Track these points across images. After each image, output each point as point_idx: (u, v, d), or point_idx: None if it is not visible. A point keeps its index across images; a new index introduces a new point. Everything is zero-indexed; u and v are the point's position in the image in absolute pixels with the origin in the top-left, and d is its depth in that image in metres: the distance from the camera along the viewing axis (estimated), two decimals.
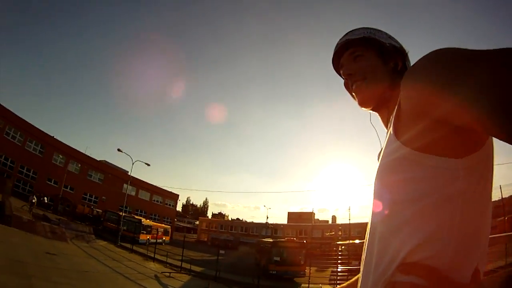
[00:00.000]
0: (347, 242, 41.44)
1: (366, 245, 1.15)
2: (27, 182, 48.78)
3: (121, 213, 42.74)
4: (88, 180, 58.01)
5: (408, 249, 0.95)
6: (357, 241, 40.41)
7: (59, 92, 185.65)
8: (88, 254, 23.77)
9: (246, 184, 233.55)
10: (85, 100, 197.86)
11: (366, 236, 1.18)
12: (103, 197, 58.66)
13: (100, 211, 50.32)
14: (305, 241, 34.32)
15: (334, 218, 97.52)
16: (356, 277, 1.46)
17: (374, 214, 1.14)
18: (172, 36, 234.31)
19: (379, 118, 1.44)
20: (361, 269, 1.17)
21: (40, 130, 51.83)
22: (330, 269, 30.02)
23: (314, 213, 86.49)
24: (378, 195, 1.11)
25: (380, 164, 1.13)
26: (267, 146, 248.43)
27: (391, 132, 1.09)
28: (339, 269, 26.73)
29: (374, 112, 1.46)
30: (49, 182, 51.24)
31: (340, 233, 68.69)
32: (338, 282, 22.80)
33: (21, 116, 48.48)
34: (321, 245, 52.51)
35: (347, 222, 69.08)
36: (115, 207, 53.53)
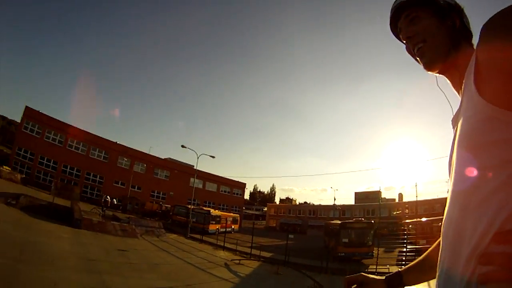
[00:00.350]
0: (415, 220, 40.19)
1: (449, 219, 1.06)
2: (94, 187, 52.73)
3: (189, 206, 43.55)
4: (155, 178, 60.28)
5: (504, 216, 0.85)
6: (424, 219, 39.10)
7: (118, 97, 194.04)
8: (159, 247, 24.40)
9: (311, 167, 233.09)
10: (145, 102, 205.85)
11: (446, 210, 1.09)
12: (171, 193, 60.43)
13: (169, 206, 52.05)
14: (372, 221, 33.28)
15: (400, 196, 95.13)
16: (426, 254, 1.47)
17: (456, 184, 1.04)
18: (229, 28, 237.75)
19: (448, 81, 1.33)
20: (444, 245, 1.08)
21: (102, 137, 56.01)
22: (398, 249, 29.22)
23: (380, 192, 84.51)
24: (461, 162, 1.01)
25: (461, 128, 1.03)
26: (329, 128, 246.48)
27: (473, 90, 0.97)
28: (406, 249, 25.52)
29: (440, 76, 1.35)
30: (116, 184, 54.37)
31: (407, 211, 66.92)
32: (405, 262, 21.93)
33: (82, 128, 53.05)
34: (388, 225, 51.57)
35: (414, 199, 67.48)
36: (183, 200, 55.11)
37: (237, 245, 30.62)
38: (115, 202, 45.96)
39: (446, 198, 1.15)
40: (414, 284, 1.48)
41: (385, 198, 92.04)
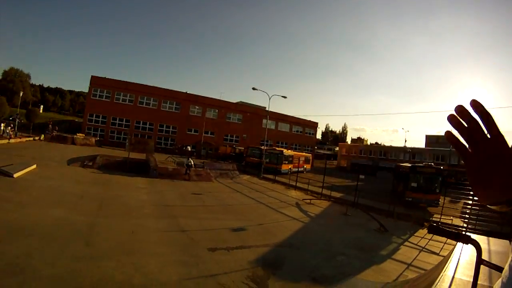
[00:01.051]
0: None
1: None
2: (168, 137, 55.19)
3: (262, 147, 44.12)
4: (227, 122, 61.27)
5: None
6: None
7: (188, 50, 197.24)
8: (232, 189, 25.41)
9: (383, 106, 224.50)
10: (214, 48, 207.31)
11: None
12: (244, 135, 61.47)
13: (242, 148, 53.03)
14: (442, 168, 31.98)
15: None
16: None
17: None
18: None
19: None
20: None
21: (172, 90, 57.97)
22: (463, 201, 28.19)
23: None
24: None
25: None
26: (400, 66, 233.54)
27: None
28: (472, 202, 23.63)
29: None
30: (189, 132, 56.40)
31: None
32: (469, 216, 21.15)
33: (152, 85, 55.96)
34: (456, 174, 49.23)
35: None
36: (256, 142, 56.04)
37: (309, 185, 30.89)
38: (189, 149, 48.18)
39: None
40: None
41: None
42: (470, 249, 7.57)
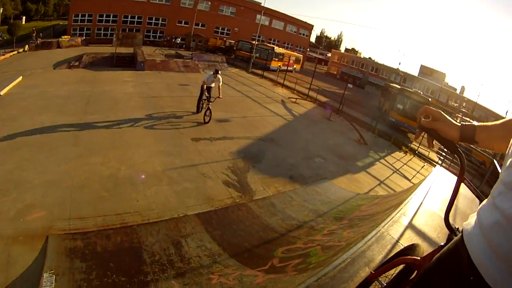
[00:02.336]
0: (467, 120, 36.62)
1: None
2: (157, 30, 51.75)
3: (253, 42, 43.17)
4: (220, 15, 57.85)
5: None
6: (475, 123, 36.09)
7: None
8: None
9: (384, 23, 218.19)
10: None
11: None
12: (236, 29, 58.80)
13: (233, 41, 51.25)
14: (430, 99, 31.87)
15: (463, 88, 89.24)
16: (502, 122, 1.41)
17: None
18: None
19: None
20: None
21: None
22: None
23: (445, 75, 79.05)
24: None
25: None
26: None
27: None
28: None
29: None
30: (179, 24, 52.95)
31: (463, 107, 62.43)
32: (444, 153, 21.14)
33: None
34: (441, 111, 49.22)
35: (473, 99, 63.29)
36: (248, 37, 53.96)
37: (296, 85, 30.79)
38: (178, 41, 46.69)
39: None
40: (482, 146, 1.47)
41: (447, 83, 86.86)
42: (439, 182, 7.71)
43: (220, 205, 7.84)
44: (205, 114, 13.90)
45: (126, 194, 7.58)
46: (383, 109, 30.90)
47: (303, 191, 9.60)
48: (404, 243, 4.62)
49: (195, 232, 6.61)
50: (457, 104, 63.81)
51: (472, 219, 1.14)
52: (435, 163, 18.04)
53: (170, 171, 8.97)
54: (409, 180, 14.36)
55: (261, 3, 50.04)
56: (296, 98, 25.33)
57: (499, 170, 1.22)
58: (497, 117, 60.97)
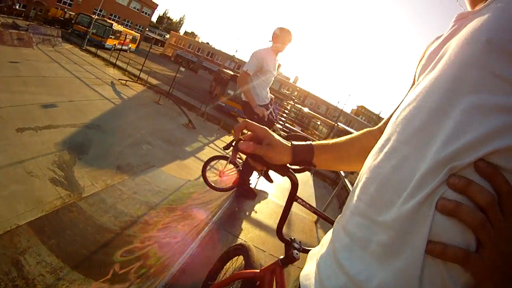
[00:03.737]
0: (299, 106, 39.87)
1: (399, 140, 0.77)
2: None
3: (93, 16, 40.33)
4: None
5: (503, 144, 0.63)
6: (306, 109, 39.63)
7: None
8: (51, 58, 22.93)
9: (228, 13, 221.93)
10: None
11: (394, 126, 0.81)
12: None
13: (73, 14, 46.38)
14: None
15: (296, 78, 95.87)
16: (342, 141, 1.22)
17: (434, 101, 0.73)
18: None
19: None
20: (374, 172, 0.80)
21: None
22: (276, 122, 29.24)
23: (280, 65, 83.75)
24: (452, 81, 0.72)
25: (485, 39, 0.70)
26: None
27: None
28: (278, 126, 24.70)
29: None
30: None
31: (294, 96, 67.11)
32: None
33: None
34: (274, 98, 51.81)
35: (305, 89, 68.80)
36: (90, 10, 49.48)
37: (128, 65, 30.10)
38: (17, 8, 40.82)
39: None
40: (321, 167, 1.16)
41: (281, 73, 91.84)
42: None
43: (50, 208, 6.97)
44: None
45: None
46: (214, 93, 31.34)
47: (132, 182, 9.26)
48: (242, 238, 4.45)
49: (32, 245, 5.77)
50: (289, 92, 68.29)
51: (310, 266, 0.96)
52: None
53: None
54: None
55: None
56: (127, 80, 24.81)
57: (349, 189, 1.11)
58: (328, 105, 66.99)
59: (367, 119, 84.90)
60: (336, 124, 33.26)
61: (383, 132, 0.98)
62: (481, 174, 0.63)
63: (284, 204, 1.27)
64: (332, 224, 0.97)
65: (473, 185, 0.62)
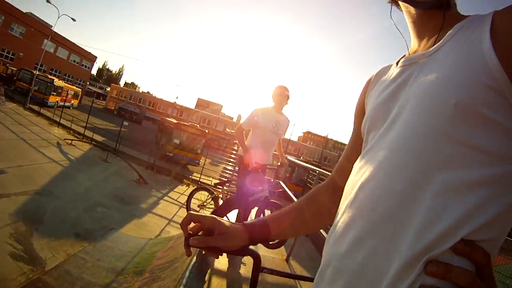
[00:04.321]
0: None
1: (381, 188, 0.70)
2: None
3: (35, 72, 38.88)
4: (9, 34, 49.01)
5: (480, 221, 0.60)
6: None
7: None
8: None
9: (166, 60, 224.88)
10: None
11: (372, 170, 0.75)
12: (21, 54, 50.94)
13: (15, 69, 44.38)
14: (206, 131, 32.90)
15: (239, 117, 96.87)
16: (296, 205, 1.14)
17: (412, 144, 0.69)
18: None
19: (404, 14, 0.92)
20: (359, 220, 0.73)
21: None
22: (223, 166, 27.87)
23: (222, 106, 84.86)
24: (432, 121, 0.67)
25: (443, 79, 0.69)
26: (201, 26, 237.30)
27: (487, 50, 0.65)
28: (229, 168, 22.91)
29: (398, 6, 0.96)
30: None
31: None
32: (225, 180, 21.82)
33: None
34: (219, 140, 51.78)
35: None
36: (32, 65, 47.23)
37: (72, 123, 29.22)
38: None
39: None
40: (280, 239, 1.08)
41: (224, 113, 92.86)
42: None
43: (16, 286, 6.58)
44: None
45: None
46: (161, 144, 30.56)
47: (93, 249, 8.93)
48: None
49: None
50: (234, 131, 68.52)
51: None
52: (220, 189, 18.90)
53: None
54: (198, 212, 14.69)
55: (52, 26, 44.31)
56: (72, 140, 23.97)
57: None
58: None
59: (315, 143, 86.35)
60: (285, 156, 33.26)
61: (334, 187, 1.08)
62: (460, 255, 0.60)
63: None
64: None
65: (453, 270, 0.60)
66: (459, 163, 0.62)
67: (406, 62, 0.85)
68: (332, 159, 74.55)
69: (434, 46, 0.78)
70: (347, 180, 0.87)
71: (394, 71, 0.89)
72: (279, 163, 5.94)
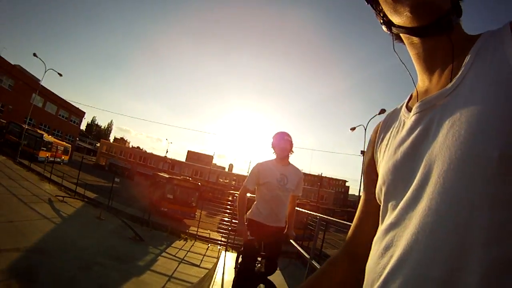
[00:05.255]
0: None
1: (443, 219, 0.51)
2: None
3: (24, 126, 38.24)
4: None
5: None
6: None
7: None
8: None
9: (154, 114, 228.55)
10: None
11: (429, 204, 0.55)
12: (10, 106, 49.56)
13: (4, 122, 42.85)
14: (199, 183, 32.51)
15: (231, 166, 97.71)
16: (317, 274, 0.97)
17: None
18: None
19: (408, 49, 0.78)
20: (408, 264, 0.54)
21: None
22: (220, 217, 26.86)
23: (213, 157, 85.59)
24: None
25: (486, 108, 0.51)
26: (184, 81, 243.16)
27: None
28: (226, 219, 22.24)
29: (400, 39, 0.81)
30: None
31: (233, 183, 67.91)
32: (224, 231, 21.47)
33: None
34: (214, 190, 51.83)
35: (243, 174, 70.35)
36: (21, 119, 46.22)
37: (63, 179, 28.37)
38: None
39: None
40: None
41: (215, 164, 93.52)
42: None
43: None
44: None
45: None
46: (155, 199, 29.83)
47: None
48: None
49: None
50: (228, 181, 68.40)
51: None
52: (219, 243, 18.28)
53: None
54: (199, 266, 14.29)
55: (40, 80, 44.52)
56: (64, 196, 23.04)
57: None
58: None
59: (309, 183, 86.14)
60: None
61: (350, 257, 0.91)
62: None
63: None
64: None
65: None
66: (510, 234, 0.47)
67: (422, 106, 0.69)
68: (328, 197, 76.01)
69: (453, 82, 0.64)
70: (363, 243, 0.79)
71: (406, 117, 0.75)
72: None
